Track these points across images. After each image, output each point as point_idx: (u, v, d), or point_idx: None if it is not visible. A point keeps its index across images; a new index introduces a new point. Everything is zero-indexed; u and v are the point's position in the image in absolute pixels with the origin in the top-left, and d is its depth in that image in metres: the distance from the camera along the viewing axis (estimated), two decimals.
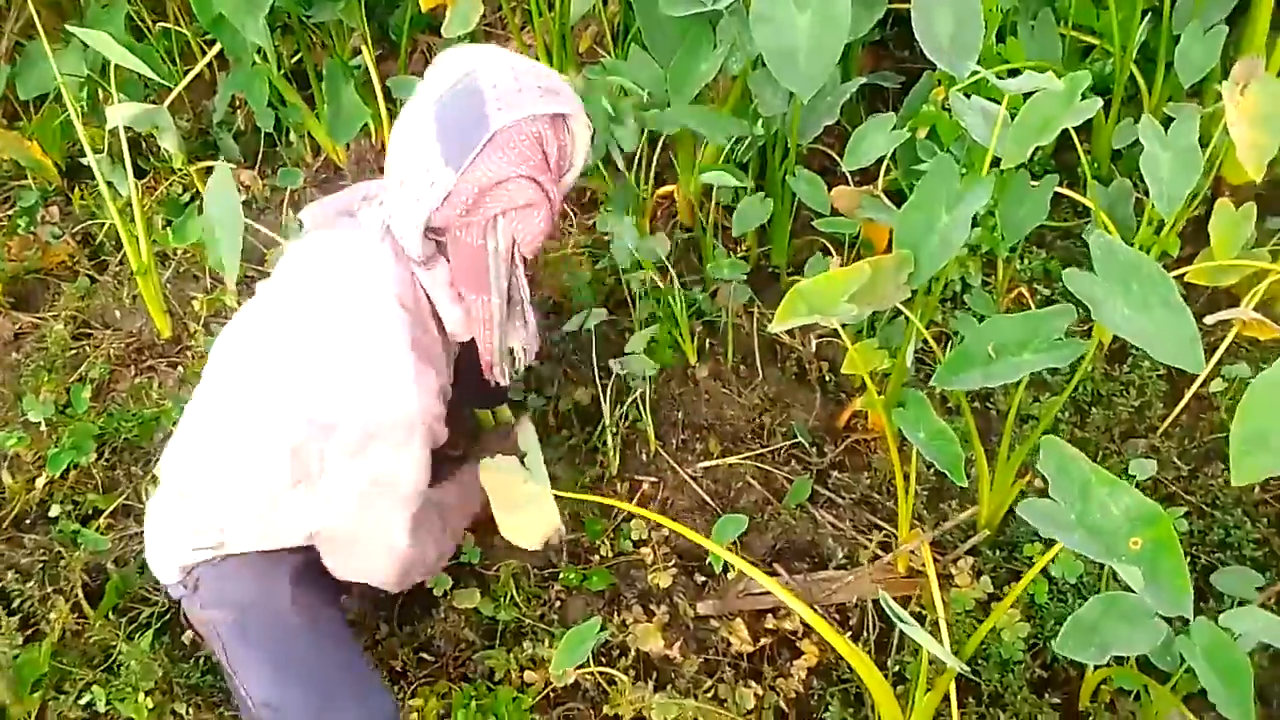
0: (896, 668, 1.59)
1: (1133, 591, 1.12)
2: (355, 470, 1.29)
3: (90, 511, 1.80)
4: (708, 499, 1.80)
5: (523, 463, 1.44)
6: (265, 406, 1.30)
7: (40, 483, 1.83)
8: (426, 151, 1.19)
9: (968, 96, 1.56)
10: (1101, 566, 1.63)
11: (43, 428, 1.90)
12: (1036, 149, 1.50)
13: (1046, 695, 1.56)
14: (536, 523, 1.42)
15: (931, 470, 1.79)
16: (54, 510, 1.80)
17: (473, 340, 1.41)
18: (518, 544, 1.43)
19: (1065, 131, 1.47)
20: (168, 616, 1.67)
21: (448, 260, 1.32)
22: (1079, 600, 1.61)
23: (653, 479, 1.83)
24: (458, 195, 1.20)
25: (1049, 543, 1.68)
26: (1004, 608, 1.31)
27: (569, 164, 1.25)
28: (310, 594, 1.40)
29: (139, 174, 2.29)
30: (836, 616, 1.66)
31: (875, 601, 1.64)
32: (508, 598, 1.67)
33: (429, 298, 1.34)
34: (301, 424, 1.28)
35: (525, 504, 1.42)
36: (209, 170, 2.38)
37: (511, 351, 1.40)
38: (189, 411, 1.41)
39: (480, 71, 1.18)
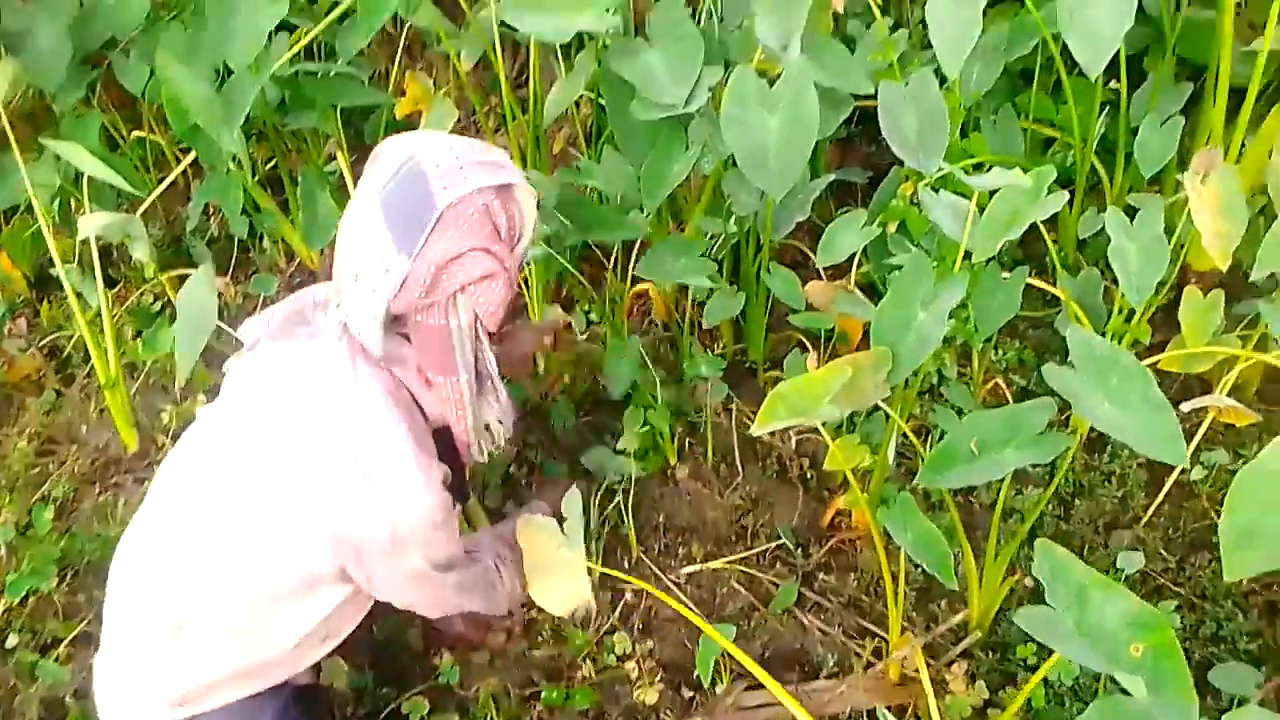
0: None
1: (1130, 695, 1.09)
2: (399, 568, 1.29)
3: (49, 640, 1.73)
4: (692, 606, 1.76)
5: (562, 528, 1.41)
6: (274, 535, 1.25)
7: None
8: (377, 241, 1.18)
9: (936, 192, 1.58)
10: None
11: (2, 551, 1.84)
12: (1004, 243, 1.52)
13: None
14: (567, 591, 1.38)
15: (919, 569, 1.75)
16: (11, 640, 1.73)
17: (445, 430, 1.38)
18: (544, 607, 1.39)
19: (1031, 225, 1.49)
20: None
21: (409, 349, 1.31)
22: (1076, 703, 1.57)
23: (634, 588, 1.79)
24: (414, 278, 1.19)
25: (1041, 644, 1.64)
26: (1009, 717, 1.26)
27: (519, 233, 1.25)
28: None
29: (110, 283, 2.27)
30: None
31: (869, 712, 1.59)
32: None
33: (407, 389, 1.32)
34: (324, 547, 1.26)
35: (558, 570, 1.39)
36: (181, 278, 2.37)
37: (488, 427, 1.39)
38: (151, 556, 1.31)
39: (420, 155, 1.19)
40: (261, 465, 1.27)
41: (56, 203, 2.30)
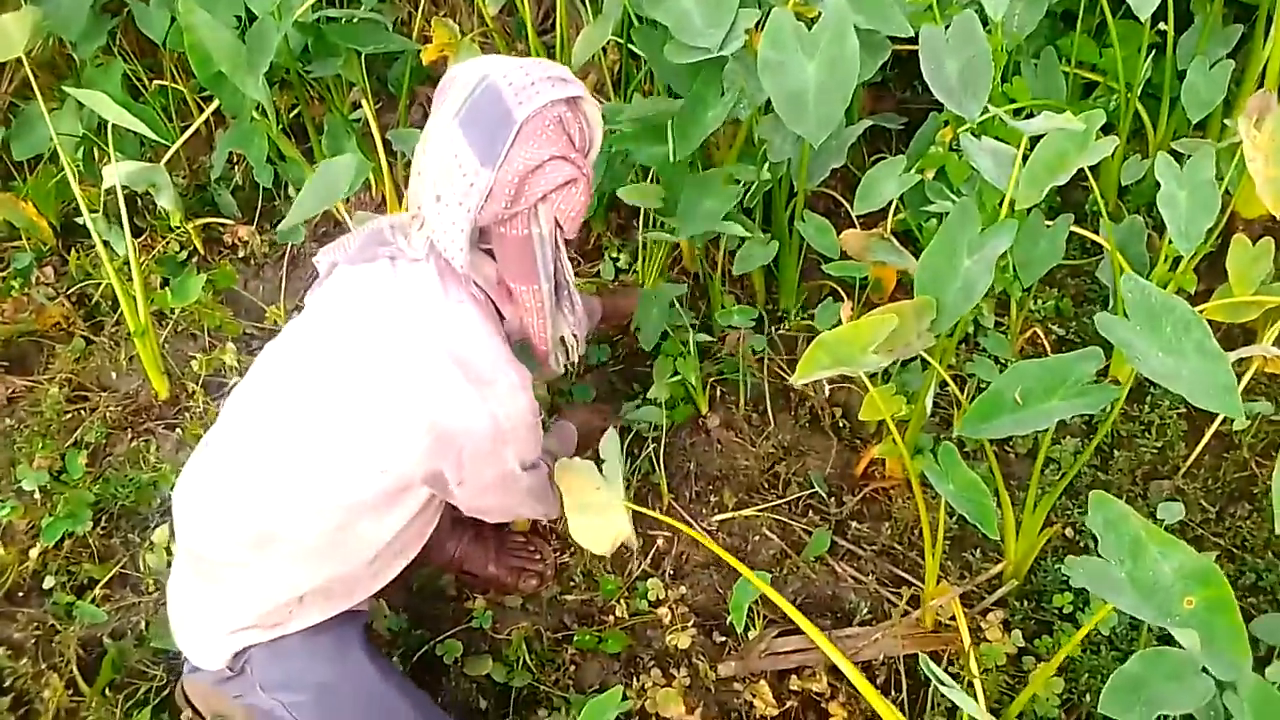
0: None
1: (1175, 646, 1.08)
2: (492, 467, 1.34)
3: (86, 582, 1.74)
4: (724, 553, 1.75)
5: (600, 470, 1.42)
6: (369, 443, 1.28)
7: (34, 553, 1.77)
8: (459, 159, 1.23)
9: (978, 137, 1.54)
10: (1135, 620, 1.57)
11: (36, 496, 1.85)
12: (1049, 189, 1.48)
13: None
14: (607, 529, 1.40)
15: (954, 518, 1.74)
16: (48, 582, 1.74)
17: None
18: (585, 546, 1.42)
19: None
20: (166, 693, 1.60)
21: (491, 263, 1.36)
22: (1112, 652, 1.56)
23: (667, 534, 1.78)
24: (499, 189, 1.23)
25: (1079, 592, 1.63)
26: (1045, 675, 1.26)
27: (590, 142, 1.30)
28: (379, 658, 1.40)
29: (135, 233, 2.26)
30: (863, 675, 1.60)
31: (904, 657, 1.58)
32: (520, 663, 1.62)
33: (492, 302, 1.38)
34: (422, 451, 1.28)
35: (598, 510, 1.42)
36: (206, 227, 2.37)
37: (563, 340, 1.45)
38: (235, 472, 1.33)
39: (492, 74, 1.23)
40: (355, 376, 1.29)
41: (80, 152, 2.29)
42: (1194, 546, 1.66)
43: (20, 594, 1.74)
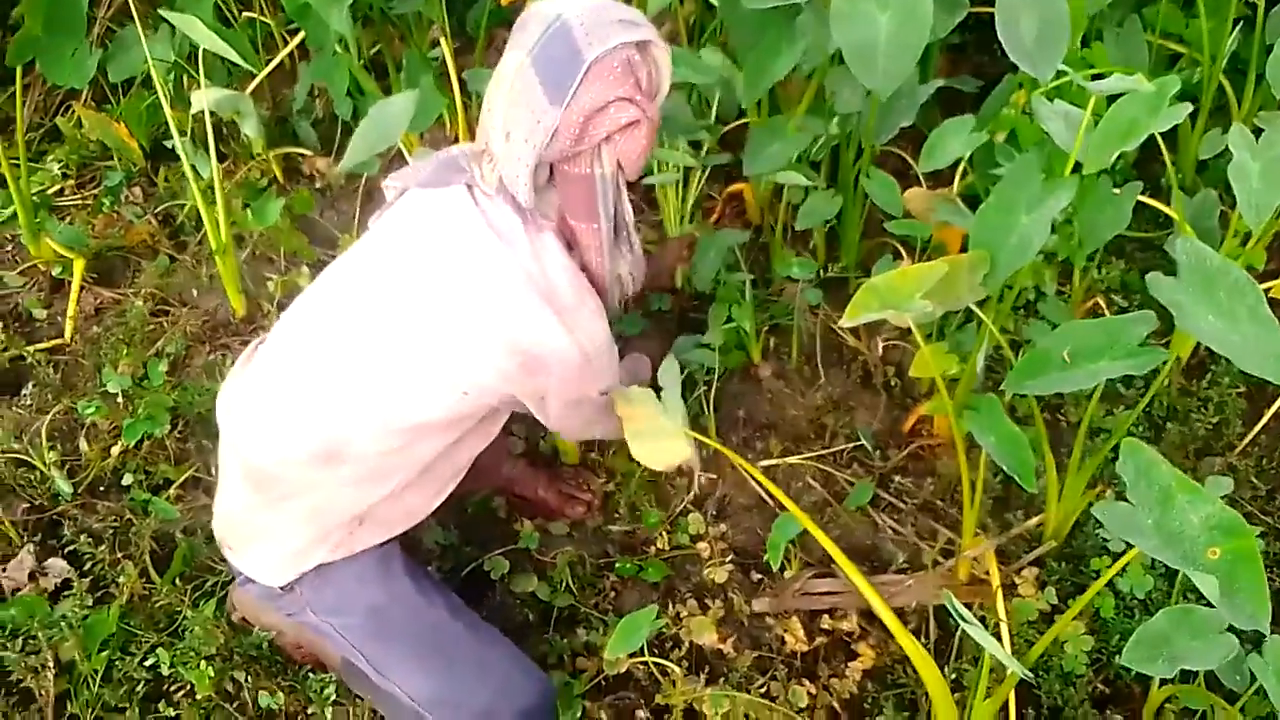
0: (954, 675, 1.56)
1: (1205, 605, 1.09)
2: (578, 388, 1.39)
3: (161, 481, 1.85)
4: (766, 498, 1.79)
5: (659, 398, 1.46)
6: (455, 364, 1.31)
7: (115, 451, 1.89)
8: (529, 96, 1.25)
9: (1051, 100, 1.53)
10: (1171, 583, 1.58)
11: (120, 399, 1.96)
12: (1119, 157, 1.47)
13: (1108, 711, 1.52)
14: (669, 450, 1.43)
15: (998, 479, 1.75)
16: (127, 479, 1.85)
17: None
18: (648, 464, 1.45)
19: (1149, 141, 1.44)
20: (231, 584, 1.70)
21: (554, 200, 1.37)
22: (1146, 616, 1.56)
23: (711, 475, 1.83)
24: (565, 128, 1.25)
25: (1117, 557, 1.64)
26: (1070, 616, 1.28)
27: (658, 87, 1.31)
28: (426, 578, 1.45)
29: (220, 158, 2.34)
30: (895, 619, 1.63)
31: (934, 608, 1.61)
32: (563, 585, 1.68)
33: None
34: (505, 372, 1.32)
35: (659, 434, 1.44)
36: (287, 156, 2.45)
37: (620, 278, 1.47)
38: (302, 388, 1.36)
39: (566, 14, 1.25)
40: (438, 298, 1.31)
41: (172, 77, 2.38)
42: None
43: (101, 488, 1.86)
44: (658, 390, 1.45)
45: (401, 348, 1.32)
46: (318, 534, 1.38)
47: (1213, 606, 1.06)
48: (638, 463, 1.80)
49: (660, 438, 1.43)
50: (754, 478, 1.78)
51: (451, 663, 1.39)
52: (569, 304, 1.33)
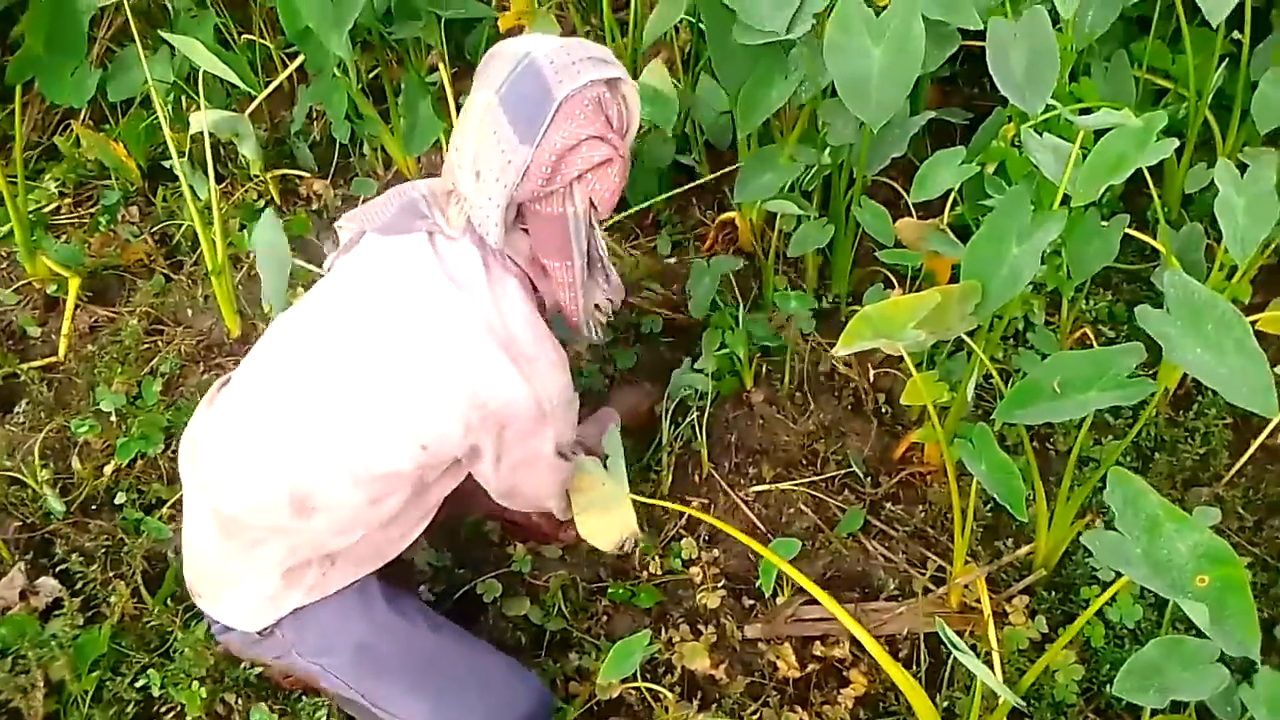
0: (946, 704, 1.57)
1: (1196, 636, 1.11)
2: (532, 447, 1.37)
3: (154, 501, 1.85)
4: (758, 523, 1.80)
5: (605, 465, 1.48)
6: (415, 417, 1.30)
7: (108, 470, 1.88)
8: (500, 136, 1.24)
9: (1040, 134, 1.56)
10: (1160, 613, 1.60)
11: (113, 418, 1.96)
12: (1106, 190, 1.50)
13: None
14: (613, 525, 1.46)
15: (988, 507, 1.77)
16: (119, 498, 1.85)
17: None
18: (593, 544, 1.47)
19: (1135, 175, 1.46)
20: None
21: (525, 240, 1.36)
22: (1136, 646, 1.58)
23: (703, 500, 1.84)
24: (536, 167, 1.25)
25: (1107, 587, 1.65)
26: (1061, 644, 1.29)
27: (628, 124, 1.31)
28: (403, 602, 1.44)
29: (217, 179, 2.36)
30: (885, 648, 1.64)
31: (925, 635, 1.62)
32: (556, 609, 1.68)
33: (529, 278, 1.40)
34: (461, 425, 1.30)
35: (604, 505, 1.46)
36: (284, 178, 2.47)
37: (598, 307, 1.47)
38: (270, 437, 1.34)
39: (535, 52, 1.25)
40: (397, 350, 1.30)
41: (170, 98, 2.40)
42: None
43: (93, 506, 1.86)
44: (604, 459, 1.47)
45: (363, 400, 1.31)
46: (289, 578, 1.36)
47: (1203, 638, 1.08)
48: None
49: (606, 507, 1.44)
50: (747, 505, 1.81)
51: (447, 684, 1.39)
52: (528, 353, 1.31)
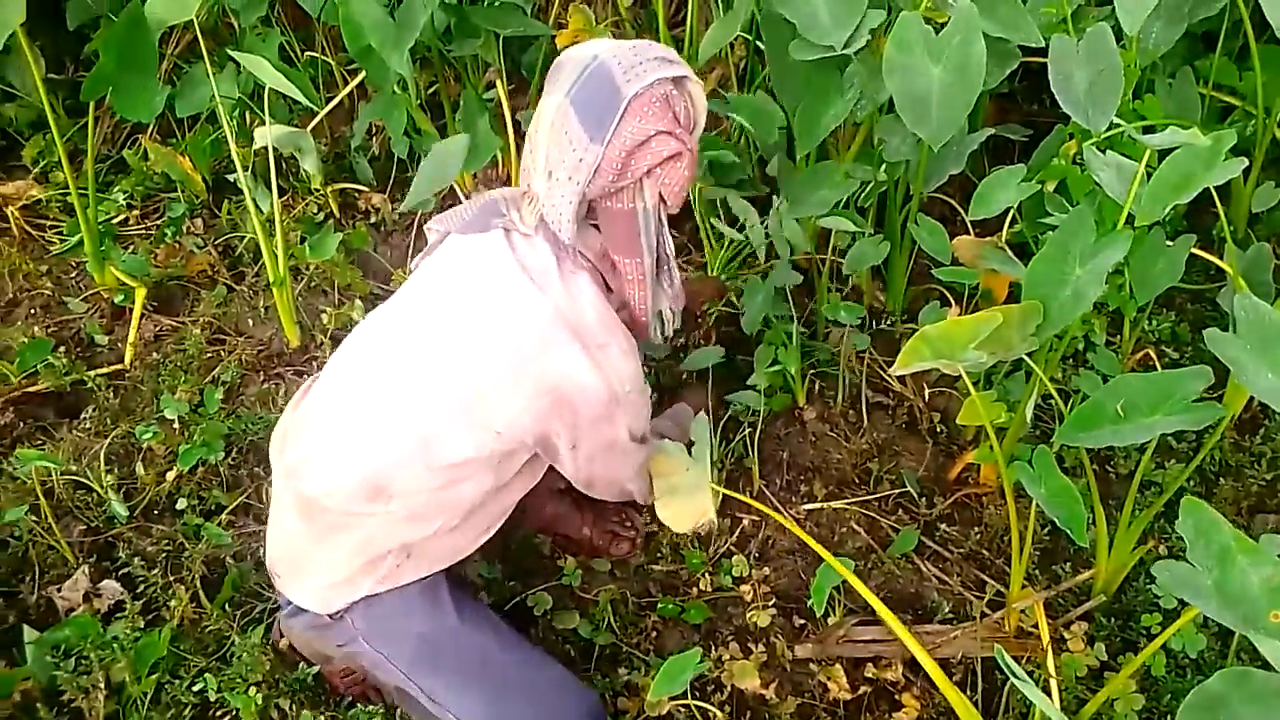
0: None
1: (1261, 668, 1.07)
2: (605, 434, 1.40)
3: (214, 507, 1.89)
4: (809, 542, 1.79)
5: (690, 451, 1.50)
6: (487, 403, 1.34)
7: (170, 476, 1.93)
8: (571, 135, 1.28)
9: (1103, 151, 1.54)
10: (1225, 642, 1.55)
11: (176, 425, 2.01)
12: (1171, 208, 1.47)
13: None
14: (691, 510, 1.49)
15: (1046, 530, 1.74)
16: (181, 503, 1.89)
17: None
18: (669, 525, 1.49)
19: (1201, 193, 1.43)
20: (278, 611, 1.72)
21: (596, 237, 1.41)
22: (1199, 676, 1.54)
23: (755, 517, 1.83)
24: (607, 163, 1.29)
25: (1169, 614, 1.61)
26: (1124, 676, 1.27)
27: (695, 120, 1.35)
28: (472, 605, 1.47)
29: (279, 192, 2.41)
30: (940, 671, 1.61)
31: (981, 660, 1.60)
32: (605, 623, 1.69)
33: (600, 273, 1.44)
34: (536, 414, 1.34)
35: (684, 490, 1.49)
36: (343, 192, 2.51)
37: (661, 314, 1.49)
38: (352, 425, 1.39)
39: (602, 55, 1.29)
40: (472, 340, 1.35)
41: (235, 114, 2.46)
42: None
43: (155, 512, 1.90)
44: (690, 445, 1.48)
45: (438, 387, 1.35)
46: (365, 566, 1.40)
47: (1270, 669, 1.05)
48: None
49: (687, 494, 1.46)
50: (799, 523, 1.79)
51: (503, 687, 1.41)
52: (599, 341, 1.35)
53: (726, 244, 2.12)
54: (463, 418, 1.35)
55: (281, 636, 1.63)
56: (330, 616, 1.44)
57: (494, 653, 1.43)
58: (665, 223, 1.41)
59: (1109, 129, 1.54)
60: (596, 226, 1.40)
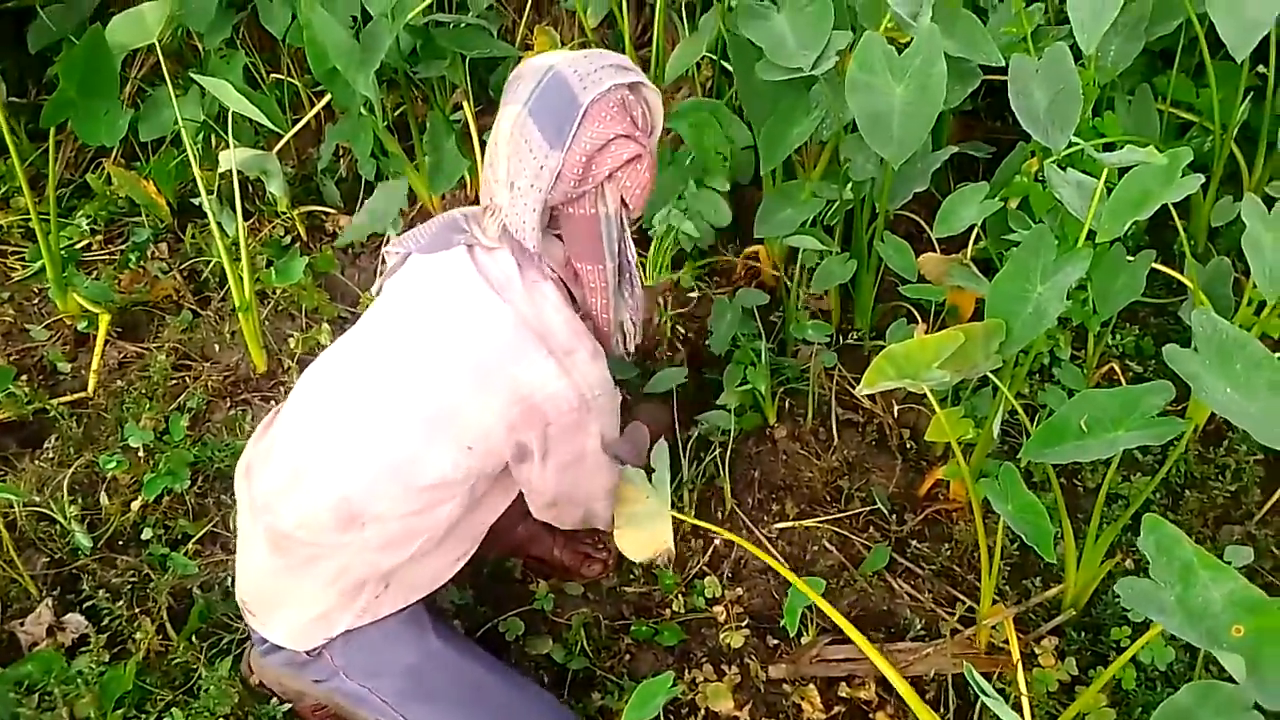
0: None
1: (1228, 681, 1.08)
2: (577, 442, 1.40)
3: (180, 536, 1.86)
4: (781, 560, 1.79)
5: (650, 479, 1.50)
6: (458, 419, 1.33)
7: (135, 506, 1.90)
8: (531, 144, 1.29)
9: (1063, 169, 1.56)
10: (1193, 655, 1.57)
11: (141, 453, 1.98)
12: (1131, 224, 1.49)
13: None
14: (649, 539, 1.49)
15: (1015, 545, 1.75)
16: (146, 533, 1.86)
17: None
18: (627, 554, 1.49)
19: (1161, 208, 1.46)
20: (247, 644, 1.70)
21: (559, 245, 1.41)
22: (1168, 689, 1.55)
23: (726, 538, 1.82)
24: (568, 169, 1.30)
25: (1138, 627, 1.63)
26: (1095, 690, 1.27)
27: (652, 125, 1.36)
28: (453, 632, 1.46)
29: (245, 216, 2.39)
30: (912, 689, 1.61)
31: (952, 676, 1.60)
32: (579, 647, 1.68)
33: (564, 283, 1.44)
34: (507, 427, 1.34)
35: (643, 519, 1.49)
36: (310, 214, 2.50)
37: (623, 325, 1.50)
38: (319, 454, 1.38)
39: (559, 65, 1.31)
40: (440, 356, 1.34)
41: (200, 137, 2.44)
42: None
43: (120, 542, 1.87)
44: (650, 471, 1.48)
45: (407, 408, 1.35)
46: (343, 599, 1.37)
47: (1236, 683, 1.05)
48: None
49: (646, 522, 1.46)
50: (771, 542, 1.79)
51: (492, 714, 1.40)
52: (566, 347, 1.35)
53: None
54: (435, 436, 1.34)
55: (252, 673, 1.60)
56: (307, 653, 1.40)
57: (482, 680, 1.42)
58: (627, 229, 1.42)
59: (1069, 147, 1.56)
60: (560, 237, 1.41)
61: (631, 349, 1.54)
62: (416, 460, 1.34)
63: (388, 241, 1.54)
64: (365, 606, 1.38)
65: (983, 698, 1.14)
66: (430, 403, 1.34)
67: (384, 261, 1.50)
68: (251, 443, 1.48)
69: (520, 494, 1.48)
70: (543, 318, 1.35)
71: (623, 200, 1.36)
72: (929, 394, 1.39)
